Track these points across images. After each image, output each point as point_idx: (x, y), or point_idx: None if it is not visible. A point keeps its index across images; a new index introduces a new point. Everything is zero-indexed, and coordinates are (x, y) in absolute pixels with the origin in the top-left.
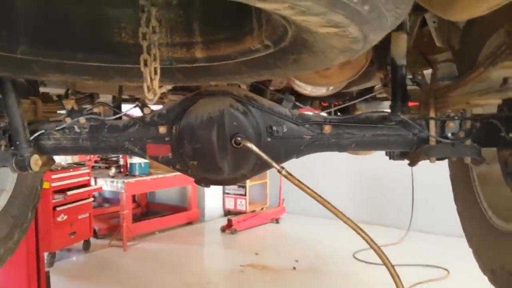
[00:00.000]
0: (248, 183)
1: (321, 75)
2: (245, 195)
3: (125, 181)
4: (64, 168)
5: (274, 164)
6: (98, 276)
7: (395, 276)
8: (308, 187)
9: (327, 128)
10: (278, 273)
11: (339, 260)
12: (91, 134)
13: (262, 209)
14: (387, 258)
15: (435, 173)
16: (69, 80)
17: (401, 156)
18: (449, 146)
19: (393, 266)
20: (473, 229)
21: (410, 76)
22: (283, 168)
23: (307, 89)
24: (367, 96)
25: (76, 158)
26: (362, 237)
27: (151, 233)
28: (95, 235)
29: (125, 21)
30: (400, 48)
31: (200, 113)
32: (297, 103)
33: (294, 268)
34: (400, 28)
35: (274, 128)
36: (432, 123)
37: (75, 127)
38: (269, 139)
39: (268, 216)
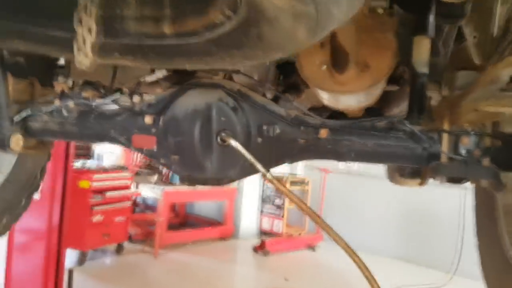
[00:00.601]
0: (287, 205)
1: (336, 81)
2: (282, 216)
3: (164, 188)
4: (106, 170)
5: (258, 165)
6: (125, 280)
7: None
8: (296, 197)
9: (323, 133)
10: None
11: None
12: (79, 119)
13: (299, 234)
14: None
15: None
16: (36, 51)
17: (413, 175)
18: (462, 164)
19: None
20: (492, 268)
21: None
22: (268, 171)
23: (325, 98)
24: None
25: (120, 161)
26: (358, 264)
27: (184, 244)
28: (130, 239)
29: None
30: (422, 54)
31: (185, 105)
32: (296, 104)
33: None
34: (423, 32)
35: (266, 127)
36: (445, 137)
37: (64, 110)
38: (259, 140)
39: (304, 241)
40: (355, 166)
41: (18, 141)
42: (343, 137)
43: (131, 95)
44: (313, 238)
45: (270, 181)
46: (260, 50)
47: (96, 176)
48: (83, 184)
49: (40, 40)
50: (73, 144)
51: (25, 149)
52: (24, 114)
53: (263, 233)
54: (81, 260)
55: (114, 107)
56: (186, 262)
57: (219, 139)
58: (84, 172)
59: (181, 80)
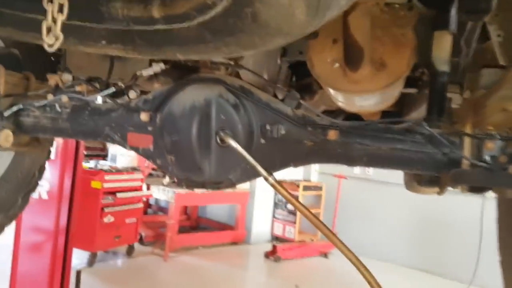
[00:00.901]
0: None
1: (350, 79)
2: (295, 222)
3: (176, 191)
4: (118, 171)
5: (260, 169)
6: (134, 283)
7: None
8: (300, 204)
9: (333, 134)
10: None
11: None
12: (72, 115)
13: (311, 240)
14: None
15: None
16: (15, 37)
17: (431, 183)
18: (486, 172)
19: None
20: None
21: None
22: (271, 174)
23: (339, 99)
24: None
25: (133, 163)
26: (363, 273)
27: (195, 248)
28: (141, 241)
29: None
30: (442, 51)
31: (183, 101)
32: (304, 102)
33: None
34: (444, 26)
35: (269, 127)
36: (467, 141)
37: (57, 105)
38: (262, 141)
39: (317, 248)
40: (371, 172)
41: (7, 137)
42: (354, 139)
43: (126, 90)
44: (327, 245)
45: (273, 186)
46: (256, 35)
47: (108, 177)
48: (95, 184)
49: (6, 21)
50: (82, 143)
51: (17, 146)
52: (15, 108)
53: (275, 238)
54: (91, 262)
55: (110, 103)
56: (196, 266)
57: (218, 139)
58: (96, 173)
59: (181, 76)
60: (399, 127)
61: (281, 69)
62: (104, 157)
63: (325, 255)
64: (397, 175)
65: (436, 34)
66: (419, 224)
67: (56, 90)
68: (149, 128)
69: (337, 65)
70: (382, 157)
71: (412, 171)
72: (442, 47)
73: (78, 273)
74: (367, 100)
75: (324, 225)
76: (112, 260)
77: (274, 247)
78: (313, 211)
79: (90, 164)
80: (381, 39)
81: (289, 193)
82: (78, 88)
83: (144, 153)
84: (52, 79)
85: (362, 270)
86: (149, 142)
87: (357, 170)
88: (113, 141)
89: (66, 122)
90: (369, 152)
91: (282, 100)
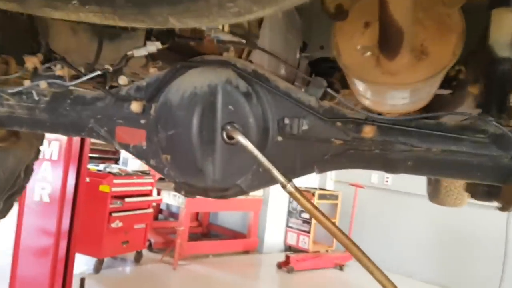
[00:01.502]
0: (315, 220)
1: (384, 70)
2: (309, 232)
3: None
4: (128, 175)
5: (275, 172)
6: None
7: None
8: (322, 215)
9: (369, 131)
10: None
11: None
12: (51, 104)
13: (326, 251)
14: None
15: None
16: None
17: (489, 196)
18: None
19: None
20: None
21: None
22: (289, 181)
23: (367, 96)
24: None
25: (144, 166)
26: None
27: (205, 256)
28: (150, 247)
29: None
30: (504, 32)
31: (183, 88)
32: (332, 92)
33: None
34: (505, 3)
35: (288, 122)
36: None
37: (34, 93)
38: (279, 138)
39: (332, 260)
40: (390, 181)
41: None
42: (396, 138)
43: (115, 75)
44: (342, 256)
45: (291, 194)
46: None
47: (117, 180)
48: (103, 188)
49: None
50: (88, 142)
51: None
52: None
53: (289, 248)
54: (97, 268)
55: (95, 91)
56: (206, 275)
57: (224, 135)
58: (105, 176)
59: (181, 59)
60: (454, 123)
61: (300, 65)
62: (116, 160)
63: (340, 267)
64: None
65: (496, 13)
66: (440, 237)
67: (34, 75)
68: (142, 121)
69: (369, 53)
70: (431, 162)
71: (469, 179)
72: (503, 28)
73: (82, 280)
74: (401, 97)
75: (350, 240)
76: (119, 267)
77: (287, 257)
78: None
79: (99, 167)
80: (423, 22)
81: (311, 203)
82: (58, 72)
83: (135, 151)
84: (30, 62)
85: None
86: (142, 137)
87: (374, 179)
88: (99, 137)
89: (44, 113)
90: (415, 155)
91: (305, 90)
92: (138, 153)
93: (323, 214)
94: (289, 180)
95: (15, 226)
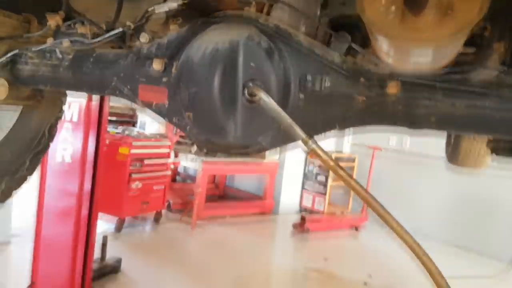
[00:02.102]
0: (331, 182)
1: (409, 26)
2: (325, 194)
3: (203, 159)
4: (146, 137)
5: (297, 129)
6: (160, 249)
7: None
8: (343, 171)
9: (393, 87)
10: (345, 285)
11: (416, 284)
12: (74, 62)
13: (342, 213)
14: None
15: None
16: None
17: (511, 152)
18: None
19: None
20: None
21: None
22: (311, 138)
23: (390, 54)
24: None
25: (162, 130)
26: (411, 247)
27: (222, 217)
28: (169, 208)
29: None
30: None
31: (204, 45)
32: (356, 46)
33: (365, 283)
34: None
35: (311, 79)
36: None
37: (57, 51)
38: (301, 95)
39: (347, 221)
40: (408, 144)
41: (2, 88)
42: (421, 94)
43: (137, 32)
44: (358, 218)
45: (314, 151)
46: None
47: (136, 143)
48: (123, 150)
49: None
50: (107, 104)
51: (16, 99)
52: (10, 54)
53: (304, 210)
54: (119, 227)
55: (117, 49)
56: (223, 234)
57: (246, 92)
58: (124, 139)
59: (201, 16)
60: (479, 78)
61: (319, 25)
62: (134, 124)
63: (355, 228)
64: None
65: None
66: (458, 200)
67: (56, 33)
68: (164, 79)
69: (393, 8)
70: (455, 117)
71: (492, 134)
72: None
73: (105, 238)
74: (424, 55)
75: (371, 196)
76: (140, 227)
77: (303, 218)
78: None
79: (118, 130)
80: None
81: (332, 159)
82: (80, 30)
83: (157, 110)
84: (52, 20)
85: (423, 259)
86: (164, 96)
87: (393, 141)
88: (122, 95)
89: (67, 71)
90: (439, 111)
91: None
92: (161, 111)
93: (344, 170)
94: (311, 137)
95: (38, 187)
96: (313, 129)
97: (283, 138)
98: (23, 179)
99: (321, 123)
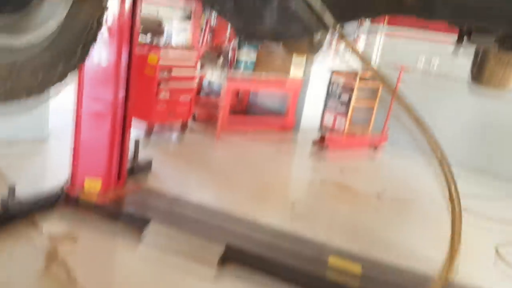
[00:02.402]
0: (353, 103)
1: None
2: (346, 114)
3: (228, 74)
4: (174, 47)
5: (327, 16)
6: (186, 155)
7: None
8: (364, 56)
9: None
10: (358, 196)
11: (429, 198)
12: None
13: (362, 133)
14: None
15: None
16: None
17: None
18: None
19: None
20: None
21: None
22: (337, 24)
23: None
24: None
25: (188, 41)
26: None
27: (245, 131)
28: (194, 119)
29: None
30: None
31: None
32: None
33: (378, 196)
34: None
35: None
36: None
37: None
38: None
39: (366, 141)
40: (435, 66)
41: None
42: None
43: None
44: (377, 139)
45: (340, 36)
46: None
47: (164, 52)
48: (152, 58)
49: None
50: (138, 12)
51: None
52: None
53: (324, 128)
54: (148, 133)
55: None
56: (245, 146)
57: None
58: (152, 47)
59: None
60: None
61: None
62: (160, 33)
63: (374, 148)
64: (464, 71)
65: None
66: (480, 125)
67: None
68: None
69: None
70: (470, 9)
71: (501, 26)
72: None
73: (137, 142)
74: None
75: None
76: (167, 135)
77: (322, 135)
78: (367, 103)
79: (146, 39)
80: None
81: (354, 47)
82: None
83: None
84: None
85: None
86: None
87: (421, 62)
88: None
89: None
90: (453, 2)
91: None
92: None
93: (363, 56)
94: (337, 24)
95: (76, 90)
96: (341, 17)
97: (312, 27)
98: (75, 65)
99: (349, 12)
